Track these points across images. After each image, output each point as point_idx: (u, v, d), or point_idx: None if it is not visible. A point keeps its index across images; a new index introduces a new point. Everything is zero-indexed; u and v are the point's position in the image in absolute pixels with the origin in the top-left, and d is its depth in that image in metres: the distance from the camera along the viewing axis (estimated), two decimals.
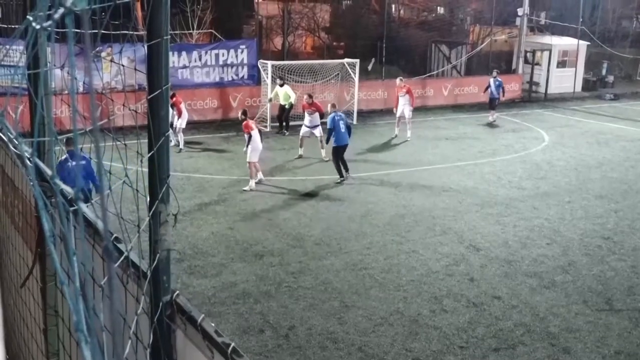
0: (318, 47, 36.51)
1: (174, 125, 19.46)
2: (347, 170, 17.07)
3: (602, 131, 24.61)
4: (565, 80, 33.43)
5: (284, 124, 22.83)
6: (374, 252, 12.40)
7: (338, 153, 16.87)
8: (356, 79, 24.68)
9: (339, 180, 16.79)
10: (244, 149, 16.45)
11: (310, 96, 19.62)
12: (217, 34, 26.56)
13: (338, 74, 24.79)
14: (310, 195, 15.89)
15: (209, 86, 24.43)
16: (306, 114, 19.34)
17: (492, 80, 25.78)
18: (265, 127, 23.31)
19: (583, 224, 14.42)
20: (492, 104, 25.85)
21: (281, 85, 22.47)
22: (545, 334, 9.59)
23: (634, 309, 10.42)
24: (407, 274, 11.48)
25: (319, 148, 19.11)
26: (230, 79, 24.85)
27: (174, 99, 19.20)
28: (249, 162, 16.21)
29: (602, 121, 26.76)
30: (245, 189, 15.96)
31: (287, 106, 22.50)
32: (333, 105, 17.55)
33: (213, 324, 2.89)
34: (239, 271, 11.42)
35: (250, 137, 16.22)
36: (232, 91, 24.68)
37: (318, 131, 19.08)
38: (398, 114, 22.30)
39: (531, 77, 32.58)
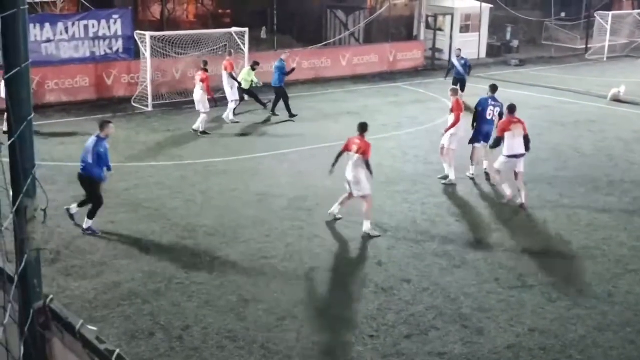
0: (202, 16, 36.03)
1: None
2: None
3: (509, 99, 25.23)
4: (469, 46, 34.45)
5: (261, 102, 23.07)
6: (273, 240, 12.46)
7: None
8: (246, 49, 24.56)
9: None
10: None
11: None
12: (85, 2, 25.68)
13: (225, 44, 24.57)
14: (200, 180, 15.74)
15: (78, 62, 23.61)
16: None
17: (455, 59, 24.96)
18: (147, 106, 22.87)
19: (492, 197, 15.02)
20: (462, 85, 23.37)
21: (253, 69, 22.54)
22: (457, 316, 9.97)
23: (547, 284, 11.00)
24: (310, 261, 11.61)
25: None
26: (102, 53, 24.12)
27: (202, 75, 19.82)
28: None
29: (508, 88, 27.77)
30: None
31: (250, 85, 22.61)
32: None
33: (95, 329, 2.83)
34: (123, 269, 11.20)
35: None
36: (106, 67, 23.98)
37: None
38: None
39: (434, 44, 33.42)
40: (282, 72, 21.91)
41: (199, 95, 19.64)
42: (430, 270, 11.44)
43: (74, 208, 12.79)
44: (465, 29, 35.33)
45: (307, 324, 9.63)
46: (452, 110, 16.12)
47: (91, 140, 12.51)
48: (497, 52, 36.92)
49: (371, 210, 12.88)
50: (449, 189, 15.54)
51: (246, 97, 23.72)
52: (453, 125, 15.91)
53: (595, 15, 38.53)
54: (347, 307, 10.13)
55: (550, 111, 23.51)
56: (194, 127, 19.94)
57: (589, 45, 38.94)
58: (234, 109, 21.58)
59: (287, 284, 10.81)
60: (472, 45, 34.87)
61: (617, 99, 25.67)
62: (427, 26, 34.18)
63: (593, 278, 11.33)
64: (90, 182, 12.45)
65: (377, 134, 19.98)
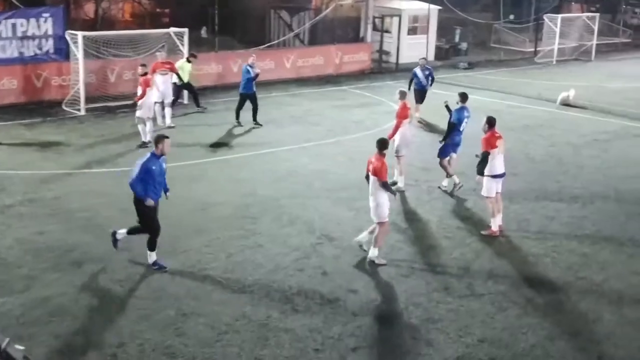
0: (138, 15, 35.61)
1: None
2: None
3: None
4: (417, 49, 34.81)
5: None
6: (214, 250, 12.37)
7: None
8: (185, 50, 24.36)
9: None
10: None
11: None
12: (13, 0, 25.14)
13: (164, 45, 24.32)
14: None
15: (5, 63, 23.07)
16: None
17: (419, 69, 23.00)
18: (79, 110, 22.48)
19: (441, 204, 15.20)
20: (422, 97, 23.02)
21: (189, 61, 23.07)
22: (406, 327, 10.03)
23: (496, 293, 11.16)
24: (253, 272, 11.56)
25: None
26: (32, 53, 23.62)
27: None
28: None
29: (457, 92, 28.19)
30: None
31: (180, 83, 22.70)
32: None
33: (22, 348, 2.76)
34: (53, 283, 10.96)
35: None
36: (36, 68, 23.49)
37: None
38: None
39: (381, 46, 33.71)
40: (247, 77, 21.23)
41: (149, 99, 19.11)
42: (378, 279, 11.50)
43: (121, 233, 11.93)
44: (412, 31, 35.71)
45: (249, 338, 9.57)
46: (396, 115, 16.18)
47: (145, 155, 11.61)
48: (446, 54, 37.43)
49: (383, 238, 12.21)
50: (397, 196, 15.64)
51: (184, 98, 23.65)
52: (393, 132, 15.84)
53: (544, 18, 39.33)
54: (291, 320, 10.09)
55: (499, 115, 23.51)
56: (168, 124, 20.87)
57: (538, 48, 39.74)
58: (169, 113, 21.36)
59: (228, 297, 10.73)
60: (420, 48, 35.20)
61: (566, 103, 26.27)
62: (374, 28, 34.43)
63: (543, 286, 11.54)
64: (137, 202, 11.42)
65: (323, 139, 20.12)
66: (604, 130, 22.66)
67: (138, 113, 18.93)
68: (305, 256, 12.26)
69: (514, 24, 42.57)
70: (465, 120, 16.07)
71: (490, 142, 13.54)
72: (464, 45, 38.82)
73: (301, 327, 9.91)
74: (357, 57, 32.69)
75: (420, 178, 16.79)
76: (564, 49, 39.42)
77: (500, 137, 13.72)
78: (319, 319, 10.15)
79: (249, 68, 21.30)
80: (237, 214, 14.19)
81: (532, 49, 40.02)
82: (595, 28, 40.47)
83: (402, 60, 33.96)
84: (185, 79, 22.72)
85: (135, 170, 11.36)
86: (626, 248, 13.19)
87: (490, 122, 13.82)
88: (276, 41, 32.69)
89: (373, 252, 12.12)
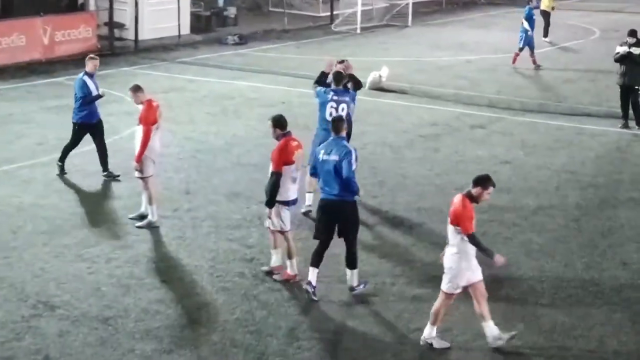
0: None
1: None
2: None
3: (229, 94, 26.37)
4: (164, 19, 34.96)
5: None
6: None
7: None
8: None
9: None
10: None
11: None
12: None
13: None
14: None
15: None
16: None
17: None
18: None
19: (213, 239, 15.23)
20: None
21: None
22: None
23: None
24: None
25: None
26: None
27: None
28: None
29: (226, 78, 28.60)
30: None
31: None
32: None
33: None
34: None
35: None
36: None
37: None
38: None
39: (110, 16, 33.42)
40: (82, 96, 18.49)
41: None
42: None
43: (312, 277, 13.06)
44: None
45: None
46: (140, 120, 15.90)
47: (332, 144, 12.94)
48: (207, 25, 37.82)
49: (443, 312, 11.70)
50: (149, 234, 15.52)
51: None
52: (143, 146, 15.63)
53: None
54: None
55: (289, 108, 24.31)
56: None
57: (335, 12, 41.06)
58: None
59: None
60: (169, 17, 35.38)
61: (378, 87, 27.25)
62: None
63: (362, 343, 11.85)
64: (351, 205, 12.96)
65: (31, 157, 19.65)
66: (432, 121, 23.80)
67: None
68: (15, 336, 11.88)
69: None
70: (332, 105, 16.02)
71: (284, 156, 13.39)
72: (231, 12, 39.41)
73: None
74: (76, 34, 32.28)
75: (181, 206, 16.79)
76: (370, 12, 41.01)
77: (298, 146, 13.69)
78: None
79: (85, 79, 18.48)
80: None
81: (328, 13, 41.25)
82: None
83: (143, 36, 33.98)
84: None
85: (350, 164, 12.62)
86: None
87: (280, 123, 13.58)
88: None
89: (430, 332, 11.69)
